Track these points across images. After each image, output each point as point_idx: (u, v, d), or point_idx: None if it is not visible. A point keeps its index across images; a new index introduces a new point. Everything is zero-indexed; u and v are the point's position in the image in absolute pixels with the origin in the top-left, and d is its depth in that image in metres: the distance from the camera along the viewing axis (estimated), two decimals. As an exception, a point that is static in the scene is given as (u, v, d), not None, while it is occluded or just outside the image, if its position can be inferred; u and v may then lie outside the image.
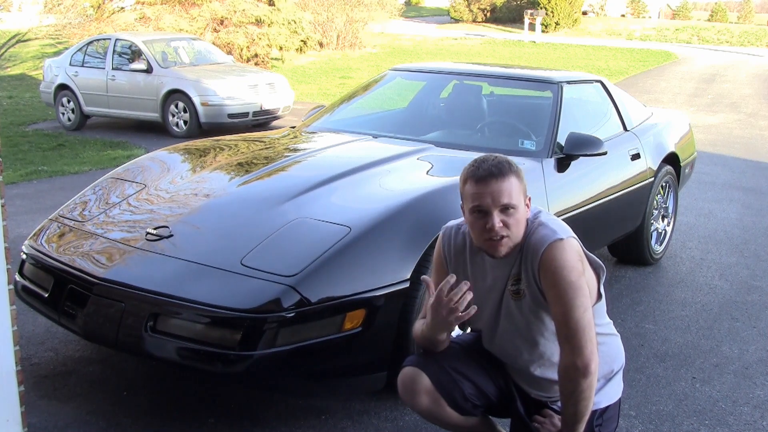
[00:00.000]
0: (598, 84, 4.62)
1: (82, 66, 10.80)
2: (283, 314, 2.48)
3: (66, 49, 14.04)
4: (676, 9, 42.32)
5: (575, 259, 2.01)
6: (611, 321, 2.29)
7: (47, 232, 3.25)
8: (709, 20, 38.25)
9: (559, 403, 2.13)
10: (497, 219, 1.98)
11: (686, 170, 5.20)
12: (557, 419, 2.14)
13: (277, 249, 2.72)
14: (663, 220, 4.89)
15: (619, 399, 2.28)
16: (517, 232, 2.02)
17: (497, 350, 2.24)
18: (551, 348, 2.12)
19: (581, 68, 17.05)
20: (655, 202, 4.65)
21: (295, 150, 3.95)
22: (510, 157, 2.11)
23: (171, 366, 2.90)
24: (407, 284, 2.70)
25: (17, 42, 17.94)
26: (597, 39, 28.46)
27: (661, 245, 4.87)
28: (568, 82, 4.23)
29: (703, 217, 6.05)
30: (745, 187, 7.28)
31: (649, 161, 4.50)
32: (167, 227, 2.94)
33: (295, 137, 4.18)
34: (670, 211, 4.94)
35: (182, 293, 2.58)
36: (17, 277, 3.14)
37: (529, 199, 2.08)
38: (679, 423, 2.87)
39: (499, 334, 2.19)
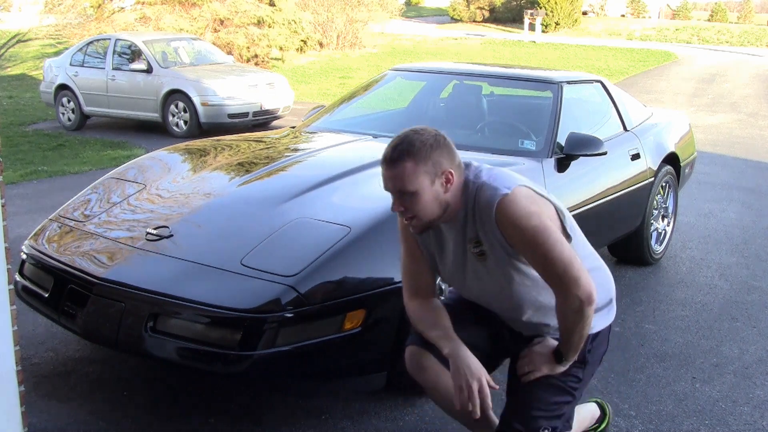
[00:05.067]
0: (598, 84, 4.62)
1: (82, 66, 10.80)
2: (283, 314, 2.48)
3: (66, 49, 14.04)
4: (676, 9, 42.30)
5: (529, 205, 1.98)
6: (593, 251, 2.26)
7: (47, 232, 3.25)
8: (709, 20, 38.23)
9: (555, 334, 2.16)
10: (397, 203, 2.01)
11: (686, 170, 5.20)
12: (550, 339, 2.18)
13: (277, 249, 2.72)
14: (663, 220, 4.89)
15: (610, 325, 2.29)
16: (425, 213, 2.00)
17: (485, 307, 2.26)
18: (534, 294, 2.11)
19: (581, 68, 17.06)
20: (655, 202, 4.65)
21: (296, 150, 3.95)
22: (423, 137, 2.00)
23: (171, 366, 2.90)
24: (407, 284, 2.70)
25: (17, 42, 17.97)
26: (597, 39, 28.45)
27: (661, 245, 4.87)
28: (568, 82, 4.23)
29: (703, 217, 6.05)
30: (745, 187, 7.28)
31: (649, 161, 4.50)
32: (167, 227, 2.94)
33: (295, 137, 4.18)
34: (670, 211, 4.94)
35: (182, 293, 2.58)
36: (17, 277, 3.14)
37: (451, 174, 2.01)
38: (679, 423, 2.87)
39: (479, 293, 2.20)
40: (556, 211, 2.09)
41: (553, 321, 2.13)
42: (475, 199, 2.02)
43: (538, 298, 2.12)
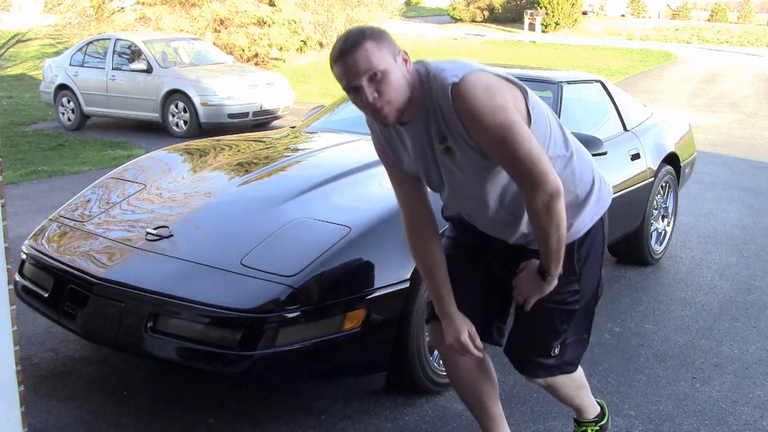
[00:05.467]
0: (598, 84, 4.62)
1: (82, 66, 10.81)
2: (283, 314, 2.48)
3: (66, 49, 14.04)
4: (676, 9, 42.30)
5: (491, 98, 1.84)
6: (568, 134, 2.14)
7: (47, 232, 3.25)
8: (709, 20, 38.23)
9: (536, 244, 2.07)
10: (368, 91, 1.87)
11: (686, 170, 5.20)
12: (534, 261, 2.10)
13: (277, 249, 2.72)
14: (663, 220, 4.89)
15: (601, 218, 2.19)
16: (397, 95, 1.87)
17: (465, 208, 2.18)
18: (509, 189, 2.02)
19: (581, 68, 17.05)
20: (655, 202, 4.65)
21: (295, 150, 3.96)
22: (365, 27, 1.93)
23: (171, 366, 2.90)
24: (407, 284, 2.70)
25: (17, 42, 17.96)
26: (597, 39, 28.45)
27: (661, 245, 4.87)
28: (568, 82, 4.23)
29: (703, 217, 6.05)
30: (745, 187, 7.28)
31: (649, 161, 4.50)
32: (167, 227, 2.94)
33: (295, 137, 4.18)
34: (670, 211, 4.94)
35: (182, 293, 2.58)
36: (17, 277, 3.14)
37: (406, 54, 1.92)
38: (679, 423, 2.87)
39: (459, 197, 2.12)
40: (521, 92, 1.96)
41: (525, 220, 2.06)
42: (431, 91, 1.90)
43: (514, 194, 2.02)
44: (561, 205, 1.91)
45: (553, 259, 2.00)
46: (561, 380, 2.35)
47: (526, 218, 2.04)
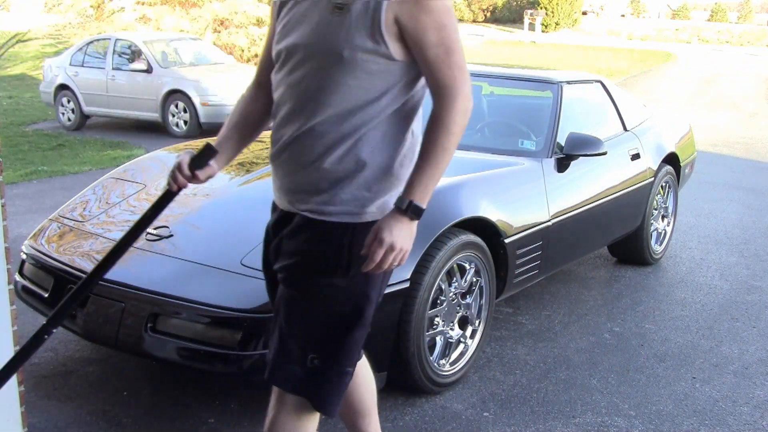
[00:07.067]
0: (598, 84, 4.62)
1: (82, 66, 10.80)
2: (283, 314, 2.48)
3: (66, 49, 14.03)
4: (676, 9, 42.31)
5: None
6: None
7: (47, 232, 3.25)
8: (709, 20, 38.25)
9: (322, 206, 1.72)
10: None
11: (686, 170, 5.20)
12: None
13: (277, 249, 2.71)
14: (663, 220, 4.89)
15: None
16: None
17: (286, 110, 1.75)
18: (364, 96, 1.68)
19: (581, 68, 17.05)
20: (655, 202, 4.66)
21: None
22: None
23: (171, 366, 2.90)
24: (407, 284, 2.70)
25: (17, 42, 17.94)
26: (597, 39, 28.45)
27: (661, 245, 4.87)
28: (568, 82, 4.23)
29: (703, 217, 6.05)
30: (745, 187, 7.28)
31: (649, 161, 4.51)
32: (167, 227, 2.94)
33: (295, 137, 4.17)
34: (670, 211, 4.94)
35: (182, 293, 2.58)
36: (17, 277, 3.14)
37: None
38: (679, 423, 2.87)
39: (292, 74, 1.73)
40: None
41: (347, 172, 1.69)
42: None
43: (367, 106, 1.68)
44: (463, 129, 1.69)
45: (431, 185, 1.68)
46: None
47: (331, 161, 1.70)
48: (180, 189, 1.92)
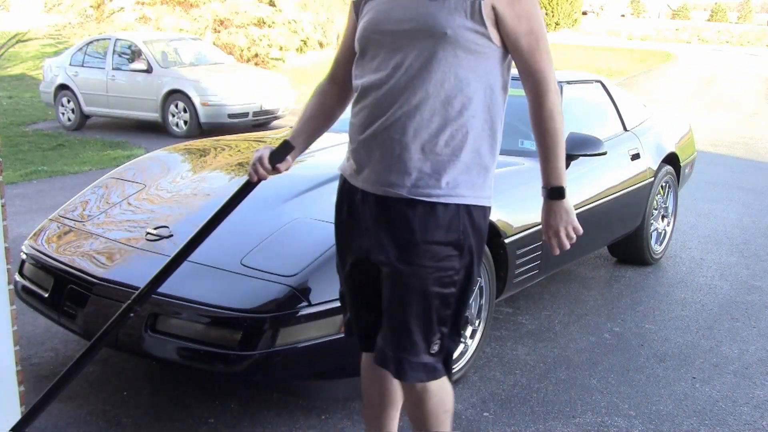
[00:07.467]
0: (598, 84, 4.62)
1: (82, 66, 10.81)
2: (283, 314, 2.48)
3: (66, 49, 14.03)
4: (676, 9, 42.33)
5: None
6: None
7: (47, 232, 3.25)
8: (709, 20, 38.27)
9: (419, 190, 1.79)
10: None
11: (686, 170, 5.20)
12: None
13: (277, 249, 2.72)
14: (663, 220, 4.89)
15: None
16: None
17: (374, 100, 1.82)
18: (465, 87, 1.78)
19: (581, 68, 17.06)
20: (655, 202, 4.66)
21: (295, 150, 3.95)
22: None
23: (171, 366, 2.90)
24: (407, 284, 2.70)
25: (17, 42, 17.94)
26: (597, 39, 28.46)
27: (661, 245, 4.87)
28: (568, 82, 4.23)
29: (703, 217, 6.05)
30: (745, 187, 7.28)
31: (649, 161, 4.51)
32: (167, 227, 2.94)
33: (295, 137, 4.17)
34: (670, 211, 4.94)
35: (182, 293, 2.58)
36: (17, 277, 3.14)
37: None
38: (679, 423, 2.87)
39: (388, 64, 1.78)
40: None
41: (445, 159, 1.77)
42: None
43: (467, 88, 1.77)
44: (561, 108, 1.87)
45: (561, 165, 1.86)
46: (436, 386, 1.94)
47: (420, 144, 1.77)
48: (260, 180, 2.13)
